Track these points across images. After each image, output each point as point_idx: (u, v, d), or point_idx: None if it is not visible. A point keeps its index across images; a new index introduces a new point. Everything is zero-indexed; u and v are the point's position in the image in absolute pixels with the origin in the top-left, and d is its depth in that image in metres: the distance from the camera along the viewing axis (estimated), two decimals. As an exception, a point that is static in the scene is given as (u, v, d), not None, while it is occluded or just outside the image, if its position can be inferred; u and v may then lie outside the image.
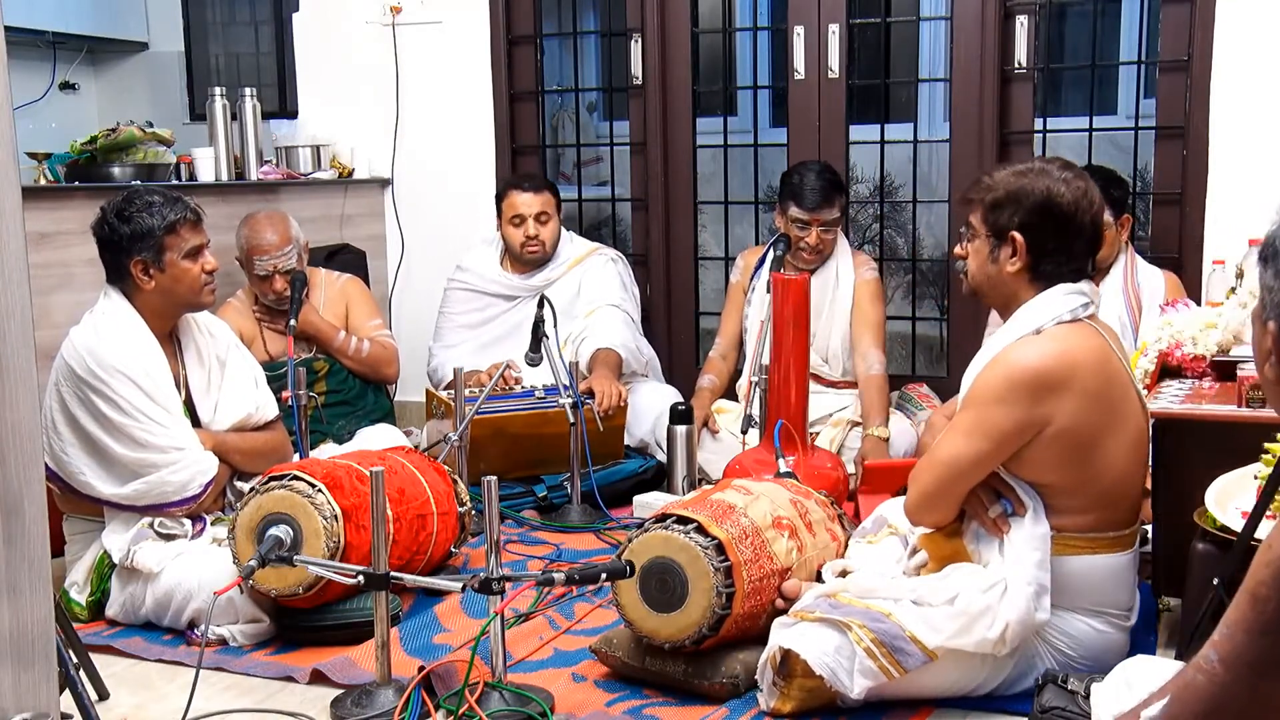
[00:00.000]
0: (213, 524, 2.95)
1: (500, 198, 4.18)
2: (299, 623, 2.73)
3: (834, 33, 4.35)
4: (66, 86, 5.75)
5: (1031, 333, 2.31)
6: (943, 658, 2.25)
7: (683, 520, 2.42)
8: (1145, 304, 3.58)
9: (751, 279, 4.10)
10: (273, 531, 2.60)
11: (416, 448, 3.50)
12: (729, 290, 4.23)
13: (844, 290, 4.04)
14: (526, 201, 4.10)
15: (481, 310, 4.23)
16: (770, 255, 3.90)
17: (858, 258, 4.09)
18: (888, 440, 3.78)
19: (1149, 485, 2.83)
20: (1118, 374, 2.33)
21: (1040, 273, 2.36)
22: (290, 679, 2.56)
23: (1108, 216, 3.58)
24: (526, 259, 4.16)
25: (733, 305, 4.19)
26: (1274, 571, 1.22)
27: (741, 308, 4.14)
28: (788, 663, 2.28)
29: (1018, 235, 2.35)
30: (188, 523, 2.91)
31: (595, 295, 4.17)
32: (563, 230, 4.26)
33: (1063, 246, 2.35)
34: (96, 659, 2.52)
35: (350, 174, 4.81)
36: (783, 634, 2.29)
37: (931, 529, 2.42)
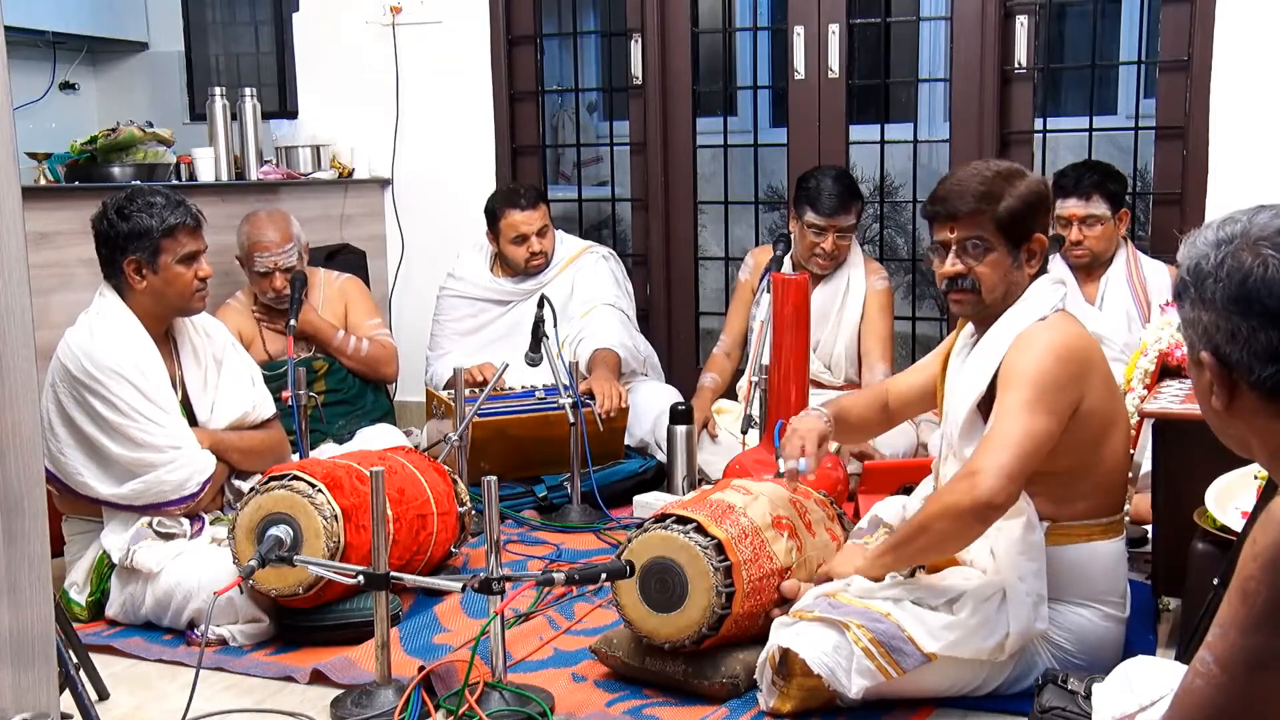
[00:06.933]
0: (212, 524, 2.95)
1: (496, 216, 4.12)
2: (299, 623, 2.73)
3: (834, 33, 4.35)
4: (66, 86, 5.74)
5: (1038, 320, 2.34)
6: (942, 658, 2.25)
7: (682, 520, 2.42)
8: (1153, 298, 3.59)
9: (761, 279, 4.08)
10: (273, 531, 2.60)
11: (416, 448, 3.50)
12: (737, 288, 4.22)
13: (854, 299, 4.02)
14: (527, 220, 4.08)
15: (475, 316, 4.22)
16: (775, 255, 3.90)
17: (870, 266, 4.06)
18: None
19: (1136, 480, 2.89)
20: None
21: (1042, 265, 2.43)
22: (290, 679, 2.56)
23: (1105, 209, 3.63)
24: (531, 272, 4.16)
25: (740, 303, 4.17)
26: (1261, 564, 1.22)
27: (749, 306, 4.13)
28: (787, 662, 2.27)
29: (1041, 236, 2.39)
30: (186, 522, 2.91)
31: (590, 294, 4.16)
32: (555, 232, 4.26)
33: (1047, 233, 2.44)
34: (96, 659, 2.52)
35: (350, 174, 4.81)
36: (781, 633, 2.29)
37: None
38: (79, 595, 2.90)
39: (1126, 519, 2.89)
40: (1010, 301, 2.39)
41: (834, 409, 2.66)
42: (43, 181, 4.01)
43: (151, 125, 4.31)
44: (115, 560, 2.84)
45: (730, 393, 4.19)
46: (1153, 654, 2.32)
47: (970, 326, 2.53)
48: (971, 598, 2.29)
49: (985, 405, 2.37)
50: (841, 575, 2.40)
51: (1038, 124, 4.22)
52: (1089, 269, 3.70)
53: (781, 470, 2.54)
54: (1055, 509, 2.35)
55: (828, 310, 3.97)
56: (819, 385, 3.94)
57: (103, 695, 2.46)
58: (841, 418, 2.66)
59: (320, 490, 2.66)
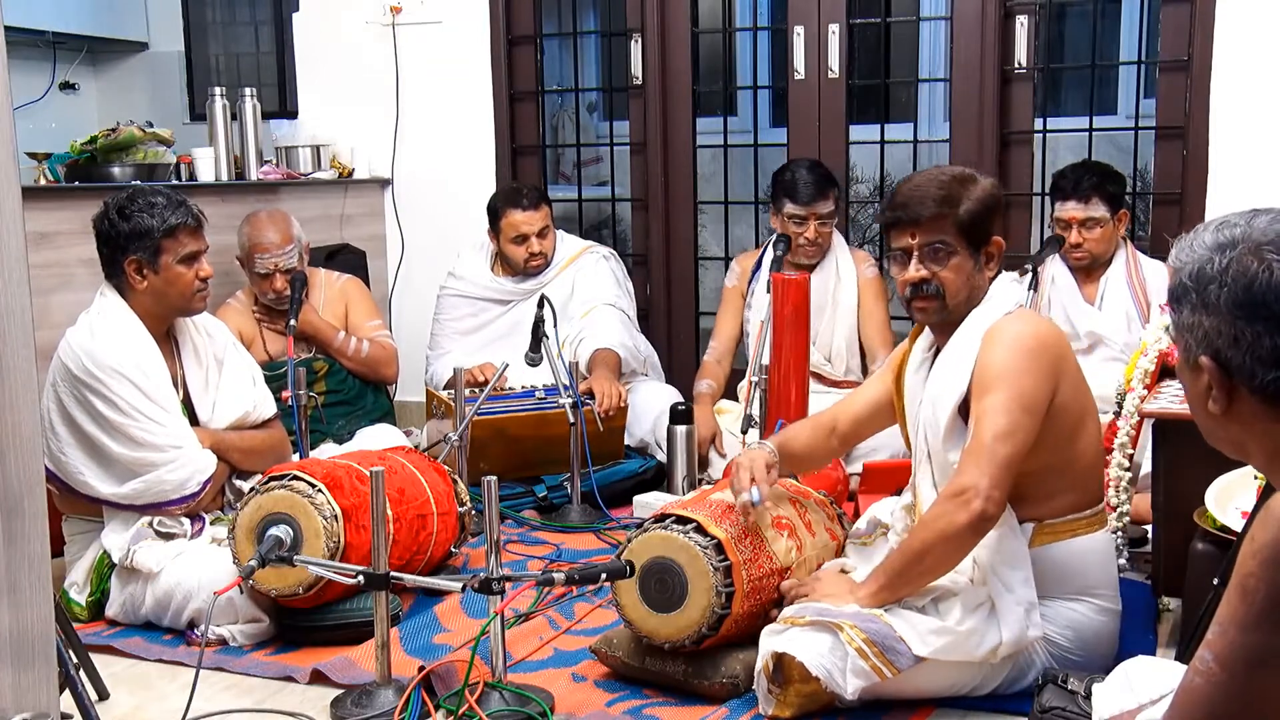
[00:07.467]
0: (212, 523, 2.96)
1: (497, 215, 4.12)
2: (299, 623, 2.73)
3: (834, 33, 4.35)
4: (66, 86, 5.74)
5: (1005, 314, 2.35)
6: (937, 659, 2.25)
7: (682, 520, 2.42)
8: (1152, 298, 3.60)
9: (750, 282, 4.10)
10: (273, 531, 2.60)
11: (416, 448, 3.50)
12: (724, 294, 4.22)
13: (847, 286, 4.05)
14: (528, 220, 4.07)
15: (476, 315, 4.22)
16: (769, 256, 3.90)
17: (856, 254, 4.12)
18: None
19: (1136, 480, 2.88)
20: None
21: (998, 269, 2.45)
22: (290, 679, 2.56)
23: (1104, 211, 3.64)
24: (531, 272, 4.16)
25: (728, 309, 4.18)
26: (1260, 561, 1.23)
27: (739, 311, 4.14)
28: (782, 669, 2.26)
29: (999, 239, 2.41)
30: (186, 522, 2.91)
31: (590, 294, 4.16)
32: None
33: (1004, 235, 2.46)
34: (96, 659, 2.52)
35: (350, 174, 4.81)
36: (773, 640, 2.28)
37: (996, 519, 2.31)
38: (79, 595, 2.90)
39: (1126, 519, 2.90)
40: (973, 305, 2.40)
41: (778, 440, 2.68)
42: (43, 181, 4.01)
43: (151, 125, 4.31)
44: (115, 560, 2.84)
45: (730, 393, 4.19)
46: (1153, 654, 2.32)
47: (926, 337, 2.52)
48: (959, 604, 2.29)
49: (963, 406, 2.36)
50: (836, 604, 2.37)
51: (1038, 124, 4.22)
52: (1088, 269, 3.72)
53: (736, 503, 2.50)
54: (1037, 508, 2.36)
55: (822, 300, 3.98)
56: (820, 379, 3.95)
57: (103, 695, 2.46)
58: (784, 448, 2.65)
59: (320, 490, 2.66)
